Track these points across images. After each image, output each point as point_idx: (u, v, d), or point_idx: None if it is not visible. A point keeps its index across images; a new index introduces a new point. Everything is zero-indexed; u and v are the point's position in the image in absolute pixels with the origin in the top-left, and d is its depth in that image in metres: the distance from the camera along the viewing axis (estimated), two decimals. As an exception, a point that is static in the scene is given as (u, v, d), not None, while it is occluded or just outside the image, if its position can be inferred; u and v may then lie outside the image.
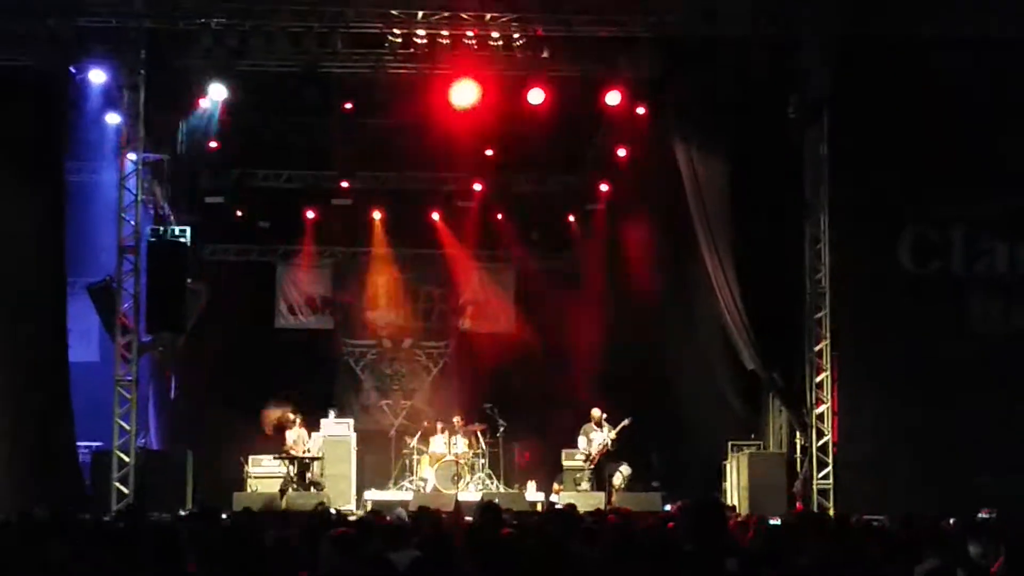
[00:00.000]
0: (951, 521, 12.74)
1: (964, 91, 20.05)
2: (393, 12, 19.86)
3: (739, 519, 14.40)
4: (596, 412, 22.23)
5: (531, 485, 23.89)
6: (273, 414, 23.14)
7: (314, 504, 18.93)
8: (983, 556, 9.04)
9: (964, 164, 20.13)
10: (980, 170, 20.21)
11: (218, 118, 21.94)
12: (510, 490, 23.36)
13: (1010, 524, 11.36)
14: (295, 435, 22.37)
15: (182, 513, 18.09)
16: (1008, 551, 8.55)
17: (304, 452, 22.24)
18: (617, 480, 22.16)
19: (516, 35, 20.22)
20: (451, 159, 24.73)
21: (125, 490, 20.20)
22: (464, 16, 19.96)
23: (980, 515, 14.78)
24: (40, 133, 20.88)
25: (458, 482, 23.03)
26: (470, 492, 22.42)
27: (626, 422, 21.80)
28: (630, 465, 22.46)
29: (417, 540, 9.50)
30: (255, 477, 22.77)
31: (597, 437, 22.01)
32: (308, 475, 22.18)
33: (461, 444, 23.68)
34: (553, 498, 22.96)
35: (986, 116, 20.18)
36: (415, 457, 24.08)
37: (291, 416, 22.55)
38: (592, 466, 22.02)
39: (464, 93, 20.90)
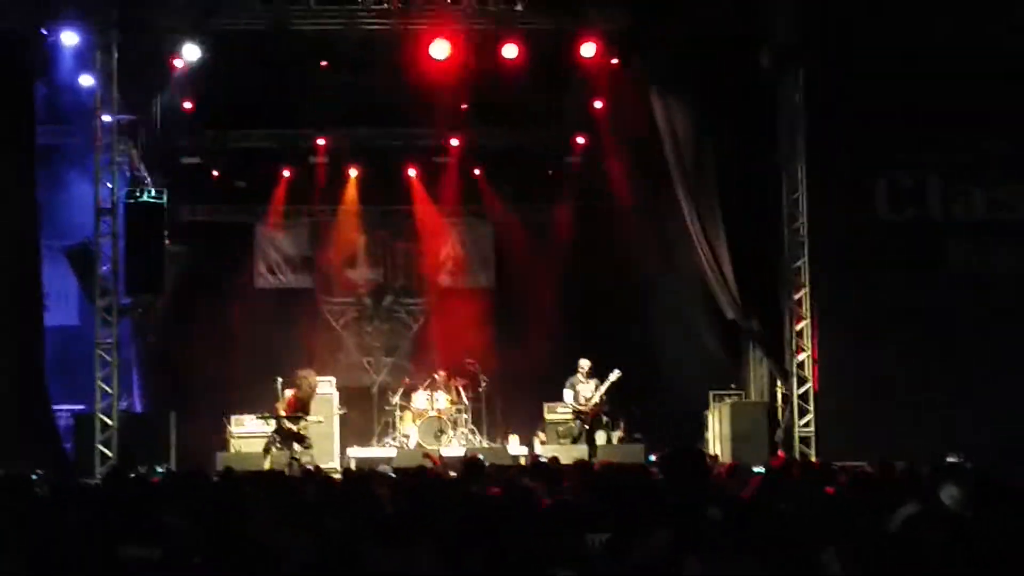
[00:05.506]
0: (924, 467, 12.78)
1: (937, 37, 20.03)
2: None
3: (724, 467, 14.46)
4: (584, 363, 22.21)
5: (513, 439, 23.97)
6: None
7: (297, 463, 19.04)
8: (957, 502, 9.05)
9: (939, 111, 20.11)
10: (955, 116, 20.19)
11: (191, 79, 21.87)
12: (493, 445, 23.45)
13: (987, 469, 11.42)
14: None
15: (159, 470, 18.14)
16: (979, 495, 8.57)
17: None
18: (601, 438, 22.32)
19: (490, -12, 20.17)
20: (426, 115, 24.63)
21: (109, 453, 20.22)
22: (438, -31, 19.96)
23: (948, 459, 14.86)
24: (9, 96, 20.74)
25: (441, 437, 23.09)
26: (453, 447, 22.49)
27: (614, 377, 21.80)
28: (612, 417, 22.63)
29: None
30: (238, 437, 22.78)
31: (584, 389, 22.04)
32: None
33: (443, 400, 23.73)
34: (537, 448, 23.10)
35: (960, 61, 20.16)
36: (397, 414, 24.14)
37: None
38: (587, 425, 22.03)
39: (439, 48, 20.85)
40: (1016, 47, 20.02)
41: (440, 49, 20.77)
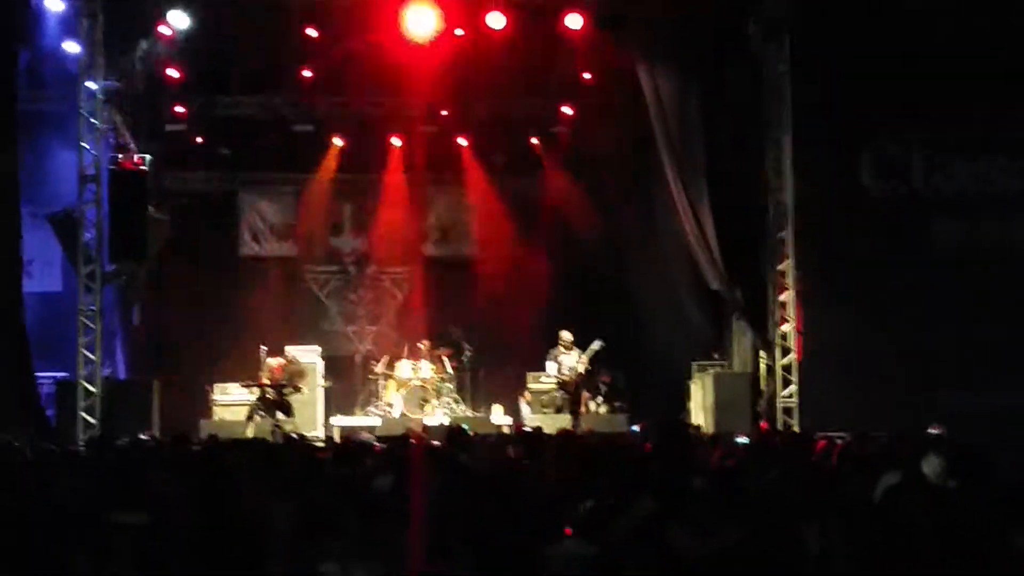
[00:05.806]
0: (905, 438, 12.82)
1: (923, 11, 20.02)
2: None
3: (707, 438, 14.53)
4: (566, 335, 22.24)
5: (497, 409, 23.98)
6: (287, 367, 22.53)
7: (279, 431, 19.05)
8: (938, 474, 9.11)
9: (924, 84, 20.11)
10: (940, 90, 20.20)
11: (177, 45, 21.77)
12: (476, 414, 23.48)
13: (969, 441, 11.46)
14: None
15: (142, 437, 18.13)
16: (962, 467, 8.62)
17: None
18: (591, 407, 22.41)
19: (476, -44, 20.11)
20: (413, 84, 24.53)
21: (91, 420, 20.21)
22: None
23: (930, 430, 14.91)
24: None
25: (424, 407, 23.13)
26: (437, 417, 22.53)
27: (596, 347, 21.83)
28: (608, 384, 22.77)
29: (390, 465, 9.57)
30: (221, 405, 22.79)
31: (567, 360, 22.07)
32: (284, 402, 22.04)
33: (427, 369, 23.74)
34: (523, 408, 23.17)
35: (947, 36, 20.15)
36: (381, 383, 24.14)
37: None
38: (570, 396, 22.06)
39: (421, 21, 20.75)
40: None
41: (421, 24, 20.70)
